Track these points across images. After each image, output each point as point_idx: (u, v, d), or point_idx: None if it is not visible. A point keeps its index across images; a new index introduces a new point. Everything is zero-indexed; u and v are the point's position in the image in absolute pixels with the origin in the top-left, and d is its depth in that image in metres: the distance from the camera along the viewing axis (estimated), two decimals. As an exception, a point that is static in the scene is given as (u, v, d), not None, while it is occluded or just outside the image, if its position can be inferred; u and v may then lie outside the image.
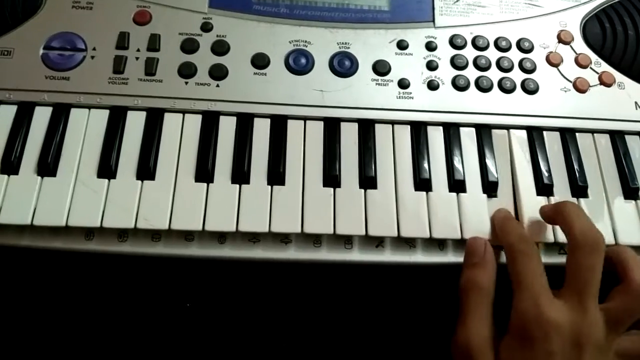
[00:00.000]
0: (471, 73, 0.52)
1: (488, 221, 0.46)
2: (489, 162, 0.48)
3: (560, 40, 0.54)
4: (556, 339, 0.37)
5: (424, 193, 0.46)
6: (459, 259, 0.45)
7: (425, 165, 0.47)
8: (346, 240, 0.45)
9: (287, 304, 0.49)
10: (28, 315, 0.47)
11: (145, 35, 0.50)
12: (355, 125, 0.49)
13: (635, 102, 0.52)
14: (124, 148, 0.46)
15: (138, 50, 0.49)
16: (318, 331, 0.49)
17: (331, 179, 0.46)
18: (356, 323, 0.49)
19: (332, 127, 0.48)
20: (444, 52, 0.52)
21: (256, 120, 0.48)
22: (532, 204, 0.47)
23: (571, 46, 0.54)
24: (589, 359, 0.37)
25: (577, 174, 0.48)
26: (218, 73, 0.49)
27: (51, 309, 0.47)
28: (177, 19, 0.51)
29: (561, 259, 0.45)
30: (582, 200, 0.48)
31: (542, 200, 0.47)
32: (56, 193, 0.43)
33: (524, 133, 0.50)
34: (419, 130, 0.49)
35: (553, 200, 0.47)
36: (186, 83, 0.48)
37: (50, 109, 0.47)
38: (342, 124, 0.48)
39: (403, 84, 0.50)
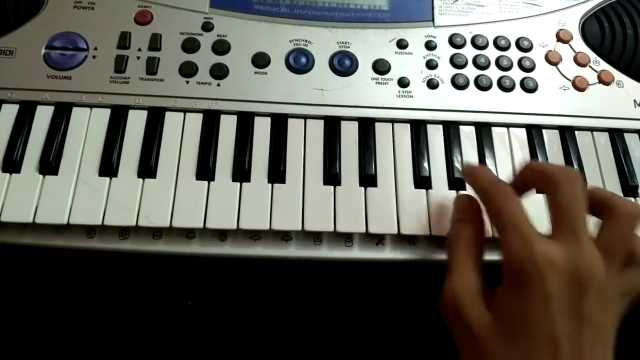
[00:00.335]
0: (470, 72, 0.52)
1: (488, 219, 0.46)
2: (489, 160, 0.48)
3: (559, 39, 0.54)
4: (553, 279, 0.34)
5: (424, 191, 0.46)
6: (459, 256, 0.45)
7: (425, 163, 0.48)
8: (346, 238, 0.45)
9: (288, 302, 0.49)
10: (30, 313, 0.48)
11: (147, 35, 0.50)
12: (356, 123, 0.49)
13: (634, 101, 0.52)
14: (125, 147, 0.46)
15: (139, 49, 0.49)
16: (319, 329, 0.49)
17: (331, 177, 0.46)
18: (357, 321, 0.49)
19: (332, 125, 0.48)
20: (444, 51, 0.53)
21: (257, 119, 0.48)
22: (532, 201, 0.46)
23: (570, 45, 0.54)
24: (592, 301, 0.34)
25: (576, 172, 0.48)
26: (219, 72, 0.49)
27: (53, 307, 0.48)
28: (178, 19, 0.51)
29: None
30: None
31: (542, 198, 0.47)
32: (58, 191, 0.43)
33: (523, 131, 0.50)
34: (418, 129, 0.49)
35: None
36: (187, 82, 0.48)
37: (52, 108, 0.47)
38: (342, 123, 0.49)
39: (403, 83, 0.50)
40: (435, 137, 0.49)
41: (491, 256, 0.44)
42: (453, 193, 0.47)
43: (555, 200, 0.38)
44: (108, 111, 0.47)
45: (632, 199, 0.48)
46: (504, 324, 0.36)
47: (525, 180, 0.42)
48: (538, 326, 0.34)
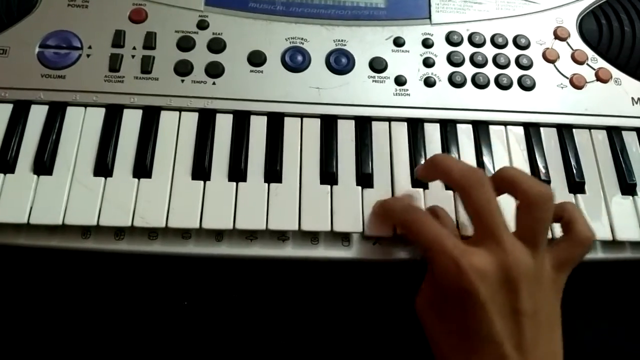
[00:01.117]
0: (468, 70, 0.52)
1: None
2: (486, 158, 0.48)
3: (556, 36, 0.54)
4: (483, 287, 0.35)
5: (421, 190, 0.46)
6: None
7: (422, 162, 0.47)
8: (343, 238, 0.45)
9: (285, 302, 0.49)
10: (25, 313, 0.47)
11: (141, 33, 0.50)
12: (352, 122, 0.49)
13: (632, 98, 0.52)
14: (120, 146, 0.46)
15: (134, 48, 0.49)
16: (316, 329, 0.49)
17: (328, 176, 0.46)
18: (354, 320, 0.49)
19: (328, 124, 0.48)
20: (441, 49, 0.52)
21: (253, 118, 0.48)
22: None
23: (567, 42, 0.54)
24: (524, 294, 0.36)
25: (574, 170, 0.48)
26: (214, 71, 0.49)
27: (48, 308, 0.47)
28: (173, 17, 0.51)
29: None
30: (579, 196, 0.48)
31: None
32: (52, 191, 0.43)
33: (520, 129, 0.50)
34: (415, 127, 0.49)
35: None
36: (182, 81, 0.48)
37: (46, 107, 0.47)
38: (339, 121, 0.48)
39: (399, 81, 0.50)
40: (433, 135, 0.49)
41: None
42: (450, 192, 0.46)
43: (467, 205, 0.39)
44: (103, 110, 0.47)
45: (631, 197, 0.48)
46: (449, 332, 0.38)
47: (430, 174, 0.43)
48: (480, 331, 0.36)
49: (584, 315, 0.42)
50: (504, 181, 0.39)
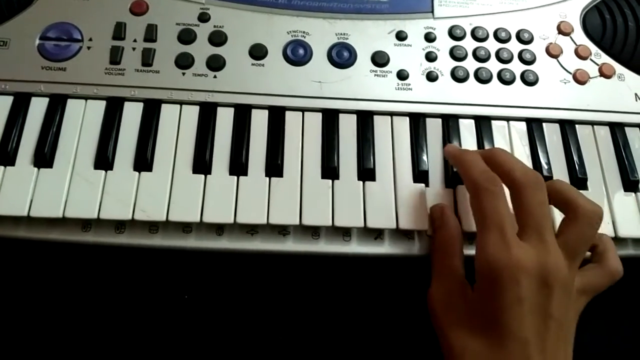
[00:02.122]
0: (470, 64, 0.51)
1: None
2: (488, 153, 0.48)
3: (560, 31, 0.54)
4: (526, 283, 0.36)
5: (423, 185, 0.46)
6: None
7: (424, 157, 0.47)
8: (345, 232, 0.45)
9: (285, 296, 0.49)
10: (25, 307, 0.47)
11: (142, 26, 0.49)
12: (354, 116, 0.48)
13: (635, 94, 0.52)
14: (120, 139, 0.45)
15: (135, 40, 0.49)
16: (316, 324, 0.48)
17: (330, 170, 0.45)
18: (354, 315, 0.49)
19: (330, 118, 0.48)
20: (443, 43, 0.52)
21: (254, 112, 0.48)
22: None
23: (571, 37, 0.54)
24: (556, 300, 0.37)
25: (576, 166, 0.48)
26: (215, 64, 0.48)
27: (48, 301, 0.47)
28: (174, 9, 0.50)
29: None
30: (581, 192, 0.47)
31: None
32: (53, 184, 0.43)
33: (523, 125, 0.50)
34: (417, 122, 0.49)
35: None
36: (183, 74, 0.48)
37: (46, 99, 0.46)
38: (341, 116, 0.48)
39: (402, 75, 0.50)
40: (435, 130, 0.49)
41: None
42: (449, 190, 0.46)
43: (522, 200, 0.39)
44: (103, 103, 0.47)
45: (634, 194, 0.48)
46: (478, 322, 0.38)
47: (489, 163, 0.42)
48: (511, 326, 0.36)
49: (585, 314, 0.41)
50: (558, 193, 0.41)
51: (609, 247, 0.42)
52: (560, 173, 0.48)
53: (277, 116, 0.47)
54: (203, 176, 0.44)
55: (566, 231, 0.39)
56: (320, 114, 0.48)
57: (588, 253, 0.42)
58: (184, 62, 0.48)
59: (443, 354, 0.40)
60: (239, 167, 0.45)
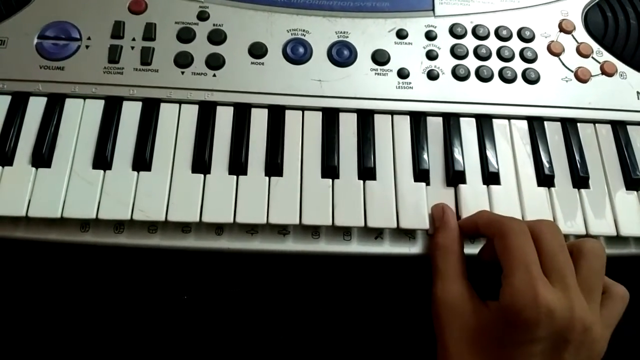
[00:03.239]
0: (471, 62, 0.51)
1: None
2: (490, 152, 0.48)
3: (561, 29, 0.54)
4: (545, 326, 0.36)
5: (424, 184, 0.46)
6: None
7: (425, 156, 0.47)
8: (345, 232, 0.45)
9: (285, 296, 0.49)
10: (23, 307, 0.47)
11: (141, 25, 0.49)
12: (354, 115, 0.48)
13: (637, 92, 0.52)
14: (119, 139, 0.45)
15: (133, 39, 0.48)
16: (316, 323, 0.48)
17: (330, 169, 0.45)
18: (355, 315, 0.49)
19: (330, 117, 0.48)
20: (444, 42, 0.52)
21: (254, 111, 0.47)
22: (533, 195, 0.46)
23: (573, 35, 0.54)
24: (572, 351, 0.37)
25: (578, 164, 0.48)
26: (215, 63, 0.48)
27: (46, 301, 0.47)
28: (173, 8, 0.50)
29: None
30: (583, 191, 0.47)
31: (543, 191, 0.47)
32: (51, 184, 0.43)
33: (524, 123, 0.50)
34: (418, 121, 0.48)
35: (554, 191, 0.47)
36: (182, 73, 0.48)
37: (44, 99, 0.46)
38: (341, 114, 0.48)
39: (402, 74, 0.50)
40: (436, 129, 0.48)
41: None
42: (451, 189, 0.46)
43: (542, 249, 0.39)
44: (102, 102, 0.47)
45: (636, 192, 0.48)
46: (484, 344, 0.38)
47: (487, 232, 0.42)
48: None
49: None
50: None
51: (608, 280, 0.42)
52: (562, 172, 0.48)
53: (277, 115, 0.47)
54: (202, 176, 0.44)
55: (580, 272, 0.39)
56: (320, 113, 0.48)
57: None
58: (183, 61, 0.48)
59: None
60: (238, 166, 0.45)
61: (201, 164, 0.44)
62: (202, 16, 0.50)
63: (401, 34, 0.51)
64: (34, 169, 0.43)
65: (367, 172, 0.46)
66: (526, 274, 0.37)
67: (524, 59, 0.52)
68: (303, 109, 0.48)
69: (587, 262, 0.39)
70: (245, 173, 0.45)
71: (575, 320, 0.36)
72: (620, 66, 0.53)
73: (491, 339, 0.38)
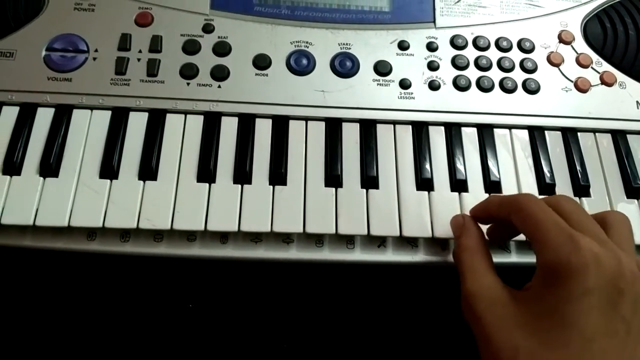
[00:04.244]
0: (472, 73, 0.52)
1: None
2: (491, 162, 0.48)
3: (561, 40, 0.54)
4: (595, 275, 0.33)
5: (426, 193, 0.46)
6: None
7: (427, 165, 0.47)
8: (348, 240, 0.45)
9: (289, 304, 0.49)
10: (30, 316, 0.47)
11: (147, 37, 0.50)
12: (357, 125, 0.49)
13: (637, 102, 0.52)
14: (126, 149, 0.46)
15: (140, 51, 0.49)
16: (319, 332, 0.48)
17: (333, 179, 0.46)
18: (358, 323, 0.49)
19: (333, 127, 0.48)
20: (445, 53, 0.52)
21: (258, 121, 0.48)
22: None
23: (572, 46, 0.54)
24: (628, 303, 0.33)
25: (579, 173, 0.48)
26: (220, 74, 0.49)
27: (53, 310, 0.47)
28: (179, 21, 0.51)
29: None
30: (584, 199, 0.48)
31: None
32: (58, 194, 0.43)
33: (525, 133, 0.50)
34: (420, 130, 0.49)
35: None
36: (188, 84, 0.48)
37: (52, 110, 0.47)
38: (344, 124, 0.49)
39: (404, 84, 0.50)
40: (437, 138, 0.49)
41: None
42: (455, 195, 0.46)
43: (565, 215, 0.37)
44: (109, 113, 0.47)
45: (636, 201, 0.48)
46: (533, 319, 0.34)
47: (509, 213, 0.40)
48: (574, 321, 0.33)
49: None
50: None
51: None
52: (563, 181, 0.48)
53: (280, 125, 0.48)
54: (207, 185, 0.44)
55: (612, 239, 0.37)
56: (323, 123, 0.48)
57: None
58: (188, 72, 0.48)
59: (482, 350, 0.36)
60: (243, 175, 0.45)
61: (206, 173, 0.45)
62: (207, 29, 0.51)
63: (403, 45, 0.52)
64: (41, 178, 0.44)
65: (369, 180, 0.46)
66: (559, 229, 0.35)
67: (524, 69, 0.52)
68: (306, 119, 0.48)
69: (616, 230, 0.37)
70: (249, 182, 0.45)
71: (624, 267, 0.34)
72: (620, 76, 0.53)
73: (540, 314, 0.34)
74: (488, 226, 0.44)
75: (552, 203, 0.38)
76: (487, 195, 0.47)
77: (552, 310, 0.34)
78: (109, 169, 0.44)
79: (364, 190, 0.46)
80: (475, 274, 0.39)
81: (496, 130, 0.50)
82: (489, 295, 0.37)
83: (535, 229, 0.36)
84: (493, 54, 0.53)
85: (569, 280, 0.33)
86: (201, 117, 0.48)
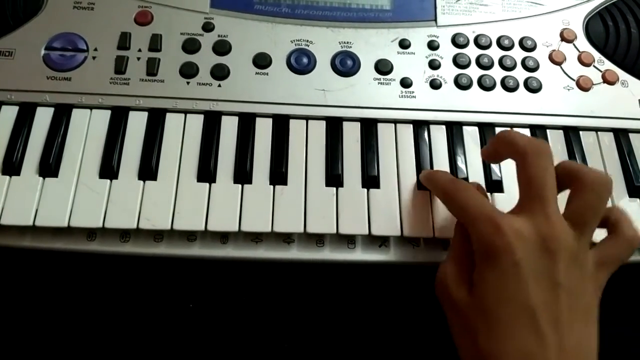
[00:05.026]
0: (474, 72, 0.51)
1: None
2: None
3: (563, 38, 0.54)
4: (520, 247, 0.35)
5: (428, 192, 0.46)
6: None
7: (428, 164, 0.47)
8: (349, 240, 0.45)
9: (290, 304, 0.49)
10: (30, 316, 0.47)
11: (147, 36, 0.50)
12: (358, 124, 0.48)
13: (639, 100, 0.52)
14: (125, 148, 0.46)
15: (139, 50, 0.49)
16: (320, 332, 0.48)
17: (334, 178, 0.46)
18: (359, 323, 0.49)
19: (334, 126, 0.48)
20: (447, 51, 0.52)
21: (258, 120, 0.48)
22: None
23: (574, 44, 0.54)
24: (563, 266, 0.35)
25: (580, 172, 0.48)
26: (220, 73, 0.48)
27: (53, 310, 0.47)
28: (179, 19, 0.51)
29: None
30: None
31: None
32: (58, 194, 0.43)
33: (527, 132, 0.50)
34: (421, 129, 0.49)
35: (557, 198, 0.47)
36: (188, 83, 0.48)
37: (51, 109, 0.47)
38: (345, 124, 0.48)
39: (405, 83, 0.50)
40: (439, 137, 0.49)
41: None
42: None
43: (524, 172, 0.38)
44: (108, 112, 0.47)
45: (638, 200, 0.48)
46: (481, 299, 0.37)
47: (496, 150, 0.42)
48: (513, 296, 0.35)
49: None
50: (565, 170, 0.39)
51: (621, 217, 0.40)
52: (565, 180, 0.48)
53: (281, 124, 0.48)
54: (207, 185, 0.44)
55: (572, 202, 0.38)
56: (324, 122, 0.48)
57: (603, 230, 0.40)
58: (188, 71, 0.48)
59: (453, 327, 0.39)
60: (243, 175, 0.45)
61: (206, 173, 0.45)
62: (207, 27, 0.50)
63: (404, 44, 0.52)
64: (41, 178, 0.44)
65: (370, 180, 0.46)
66: (483, 217, 0.37)
67: (525, 68, 0.52)
68: (307, 118, 0.48)
69: (583, 196, 0.37)
70: (250, 182, 0.45)
71: (557, 236, 0.36)
72: (622, 74, 0.53)
73: (489, 293, 0.36)
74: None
75: (519, 152, 0.39)
76: (488, 195, 0.46)
77: (495, 289, 0.36)
78: (109, 169, 0.44)
79: (365, 190, 0.45)
80: (450, 259, 0.41)
81: (498, 129, 0.50)
82: (453, 283, 0.39)
83: (462, 217, 0.40)
84: (495, 53, 0.53)
85: (499, 258, 0.35)
86: (201, 117, 0.47)
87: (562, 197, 0.39)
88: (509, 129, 0.45)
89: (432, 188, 0.45)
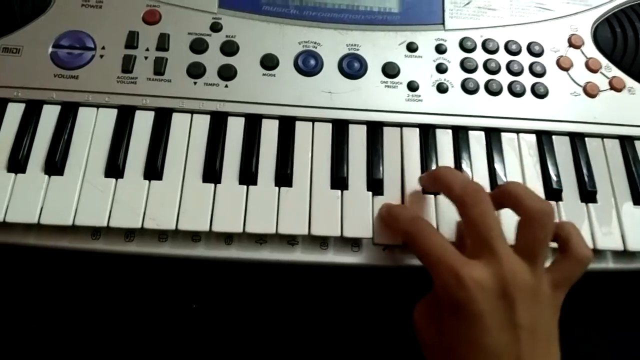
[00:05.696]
0: (481, 76, 0.51)
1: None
2: (498, 166, 0.48)
3: (570, 44, 0.54)
4: (481, 298, 0.36)
5: (432, 197, 0.46)
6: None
7: (434, 168, 0.47)
8: (353, 243, 0.45)
9: (293, 306, 0.49)
10: (34, 314, 0.47)
11: (155, 35, 0.50)
12: (364, 127, 0.48)
13: (646, 108, 0.52)
14: (131, 148, 0.46)
15: (147, 49, 0.49)
16: (324, 333, 0.48)
17: (339, 181, 0.46)
18: (362, 325, 0.49)
19: (340, 129, 0.48)
20: (454, 55, 0.52)
21: (264, 121, 0.48)
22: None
23: (582, 50, 0.54)
24: (521, 308, 0.36)
25: (586, 179, 0.48)
26: (227, 73, 0.48)
27: (57, 309, 0.47)
28: (187, 19, 0.51)
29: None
30: (590, 205, 0.47)
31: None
32: (63, 192, 0.43)
33: (533, 137, 0.50)
34: (427, 133, 0.49)
35: (561, 204, 0.47)
36: (195, 83, 0.48)
37: (58, 107, 0.47)
38: (351, 126, 0.48)
39: (412, 87, 0.50)
40: (445, 141, 0.49)
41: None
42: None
43: (466, 217, 0.40)
44: (115, 111, 0.47)
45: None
46: (448, 341, 0.38)
47: (433, 185, 0.44)
48: (477, 341, 0.36)
49: (593, 324, 0.42)
50: (505, 196, 0.40)
51: (571, 233, 0.40)
52: (570, 186, 0.48)
53: (287, 126, 0.48)
54: (213, 185, 0.44)
55: (521, 237, 0.39)
56: (330, 124, 0.48)
57: (554, 244, 0.41)
58: (195, 71, 0.48)
59: None
60: (248, 176, 0.45)
61: (212, 173, 0.45)
62: (215, 28, 0.50)
63: (411, 47, 0.52)
64: (46, 176, 0.44)
65: (375, 183, 0.46)
66: (442, 265, 0.38)
67: (533, 73, 0.52)
68: (313, 120, 0.48)
69: (529, 230, 0.38)
70: (255, 183, 0.45)
71: (513, 278, 0.36)
72: (629, 81, 0.53)
73: (458, 343, 0.37)
74: None
75: (458, 198, 0.40)
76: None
77: (460, 339, 0.37)
78: (115, 168, 0.44)
79: (370, 193, 0.45)
80: (423, 300, 0.42)
81: (504, 134, 0.50)
82: (423, 324, 0.41)
83: (424, 262, 0.40)
84: (502, 57, 0.53)
85: (462, 309, 0.36)
86: (207, 117, 0.47)
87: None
88: (446, 166, 0.46)
89: (392, 224, 0.44)
